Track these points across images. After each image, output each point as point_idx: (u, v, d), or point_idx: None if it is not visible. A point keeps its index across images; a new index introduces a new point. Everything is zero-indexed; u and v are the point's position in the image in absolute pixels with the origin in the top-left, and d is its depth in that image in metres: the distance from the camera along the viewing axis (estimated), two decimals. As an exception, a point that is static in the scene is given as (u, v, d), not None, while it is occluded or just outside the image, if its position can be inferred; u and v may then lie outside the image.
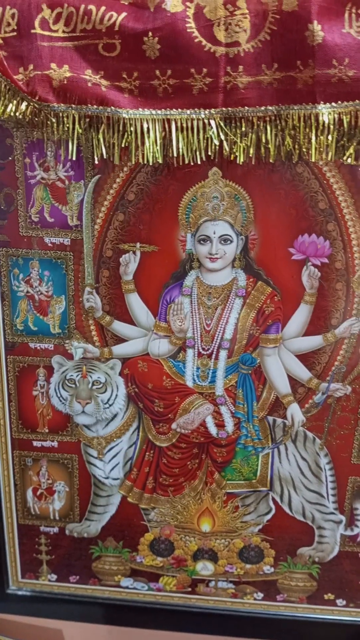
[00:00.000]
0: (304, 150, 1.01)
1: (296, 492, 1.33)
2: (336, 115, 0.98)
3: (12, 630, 1.50)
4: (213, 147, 1.01)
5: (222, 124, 1.00)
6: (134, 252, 1.17)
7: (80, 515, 1.40)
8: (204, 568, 1.42)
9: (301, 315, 1.19)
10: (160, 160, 1.02)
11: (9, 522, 1.42)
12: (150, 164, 1.04)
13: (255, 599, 1.43)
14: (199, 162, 1.03)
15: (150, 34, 0.96)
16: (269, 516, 1.36)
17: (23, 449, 1.36)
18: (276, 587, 1.42)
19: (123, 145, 1.02)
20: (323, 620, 1.42)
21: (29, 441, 1.35)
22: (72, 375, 1.27)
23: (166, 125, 1.00)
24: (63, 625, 1.50)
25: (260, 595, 1.43)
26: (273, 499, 1.34)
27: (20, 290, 1.23)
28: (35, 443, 1.35)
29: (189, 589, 1.44)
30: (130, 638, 1.50)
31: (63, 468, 1.37)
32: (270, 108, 0.99)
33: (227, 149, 1.01)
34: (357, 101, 0.97)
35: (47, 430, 1.34)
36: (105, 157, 1.04)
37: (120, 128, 1.01)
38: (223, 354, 1.23)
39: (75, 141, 1.03)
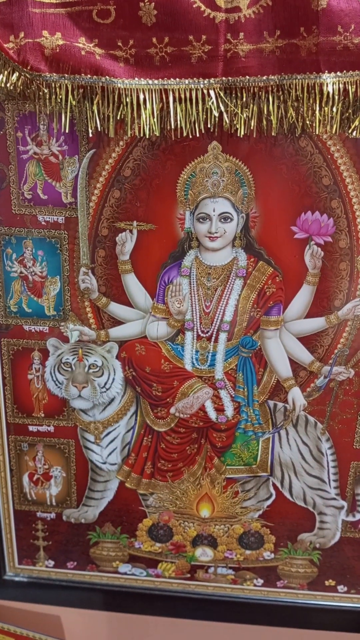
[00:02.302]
0: (307, 122, 0.97)
1: (297, 477, 1.31)
2: (341, 85, 0.94)
3: (9, 617, 1.49)
4: (213, 119, 0.97)
5: (222, 94, 0.96)
6: (131, 231, 1.14)
7: (77, 501, 1.39)
8: (203, 554, 1.40)
9: (303, 296, 1.16)
10: (157, 133, 0.99)
11: (5, 508, 1.41)
12: (147, 137, 1.00)
13: (255, 585, 1.42)
14: (197, 136, 0.99)
15: (146, -1, 0.92)
16: (269, 502, 1.34)
17: (18, 433, 1.34)
18: (276, 573, 1.41)
19: (118, 118, 0.98)
20: (324, 606, 1.42)
21: (24, 426, 1.33)
22: (67, 359, 1.25)
23: (163, 96, 0.96)
24: (61, 612, 1.50)
25: (260, 581, 1.42)
26: (273, 485, 1.33)
27: (14, 271, 1.20)
28: (31, 428, 1.33)
29: (188, 575, 1.43)
30: (128, 624, 1.50)
31: (59, 453, 1.35)
32: (272, 77, 0.95)
33: (227, 121, 0.98)
34: (363, 70, 0.93)
35: (42, 415, 1.31)
36: (99, 130, 1.00)
37: (116, 99, 0.97)
38: (223, 336, 1.21)
39: (68, 113, 0.99)
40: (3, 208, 1.14)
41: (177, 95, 0.96)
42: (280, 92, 0.96)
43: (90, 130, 1.01)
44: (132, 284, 1.18)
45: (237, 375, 1.24)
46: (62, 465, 1.36)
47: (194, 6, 0.92)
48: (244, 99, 0.96)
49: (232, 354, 1.22)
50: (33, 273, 1.19)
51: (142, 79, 0.96)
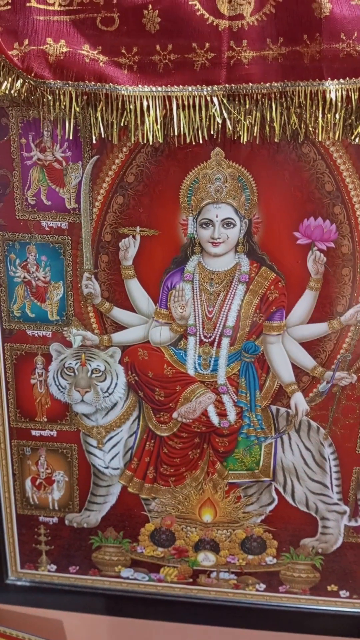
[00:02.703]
0: (310, 129, 0.98)
1: (299, 482, 1.31)
2: (344, 92, 0.95)
3: (11, 621, 1.49)
4: (216, 125, 0.98)
5: (225, 101, 0.96)
6: (134, 237, 1.14)
7: (79, 505, 1.39)
8: (206, 559, 1.40)
9: (306, 301, 1.16)
10: (160, 140, 0.99)
11: (8, 512, 1.41)
12: (151, 143, 1.00)
13: (257, 590, 1.42)
14: (201, 142, 0.99)
15: (150, 6, 0.92)
16: (271, 507, 1.34)
17: (21, 438, 1.34)
18: (279, 578, 1.41)
19: (122, 124, 0.99)
20: (326, 611, 1.41)
21: (27, 430, 1.33)
22: (70, 364, 1.25)
23: (167, 103, 0.97)
24: (63, 616, 1.50)
25: (263, 586, 1.42)
26: (276, 490, 1.32)
27: (17, 276, 1.20)
28: (33, 432, 1.33)
29: (190, 580, 1.43)
30: (130, 629, 1.50)
31: (62, 457, 1.35)
32: (275, 84, 0.95)
33: (230, 128, 0.98)
34: (366, 77, 0.93)
35: (45, 419, 1.31)
36: (103, 136, 1.00)
37: (119, 106, 0.97)
38: (225, 341, 1.21)
39: (72, 120, 0.99)
40: (7, 214, 1.15)
41: (180, 102, 0.97)
42: (283, 99, 0.96)
43: (93, 137, 1.01)
44: (135, 289, 1.18)
45: (240, 380, 1.24)
46: (65, 470, 1.36)
47: (198, 14, 0.92)
48: (247, 106, 0.97)
49: (234, 359, 1.22)
50: (36, 278, 1.20)
51: (145, 86, 0.96)
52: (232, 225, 1.12)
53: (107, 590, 1.45)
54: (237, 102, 0.97)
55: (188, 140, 0.99)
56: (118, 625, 1.50)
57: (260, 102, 0.96)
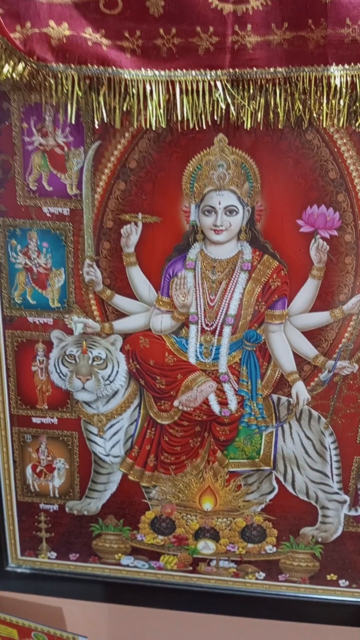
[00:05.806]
0: (314, 115, 0.97)
1: (300, 471, 1.31)
2: (349, 78, 0.94)
3: (11, 608, 1.50)
4: (219, 111, 0.97)
5: (229, 86, 0.96)
6: (136, 223, 1.13)
7: (80, 493, 1.39)
8: (206, 547, 1.41)
9: (308, 290, 1.16)
10: (163, 125, 0.98)
11: (8, 499, 1.41)
12: (153, 129, 1.00)
13: (257, 579, 1.42)
14: (204, 128, 0.99)
15: (154, -11, 0.91)
16: (271, 495, 1.34)
17: (22, 425, 1.34)
18: (278, 566, 1.41)
19: (125, 109, 0.98)
20: (325, 600, 1.41)
21: (28, 417, 1.33)
22: (72, 351, 1.25)
23: (170, 88, 0.96)
24: (63, 603, 1.51)
25: (262, 574, 1.42)
26: (276, 478, 1.32)
27: (18, 262, 1.20)
28: (34, 419, 1.33)
29: (190, 568, 1.43)
30: (130, 616, 1.50)
31: (63, 445, 1.35)
32: (279, 70, 0.94)
33: (234, 113, 0.97)
34: (371, 63, 0.92)
35: (46, 407, 1.31)
36: (105, 121, 1.00)
37: (122, 90, 0.96)
38: (227, 330, 1.20)
39: (74, 104, 0.98)
40: (8, 199, 1.14)
41: (183, 86, 0.96)
42: (288, 85, 0.96)
43: (96, 122, 1.00)
44: (137, 276, 1.18)
45: (241, 369, 1.24)
46: (65, 457, 1.36)
47: (202, -3, 0.91)
48: (251, 91, 0.96)
49: (236, 348, 1.22)
50: (37, 265, 1.19)
51: (148, 70, 0.96)
52: (234, 213, 1.11)
53: (107, 577, 1.46)
54: (241, 87, 0.96)
55: (191, 126, 0.99)
56: (118, 612, 1.51)
57: (264, 88, 0.96)
